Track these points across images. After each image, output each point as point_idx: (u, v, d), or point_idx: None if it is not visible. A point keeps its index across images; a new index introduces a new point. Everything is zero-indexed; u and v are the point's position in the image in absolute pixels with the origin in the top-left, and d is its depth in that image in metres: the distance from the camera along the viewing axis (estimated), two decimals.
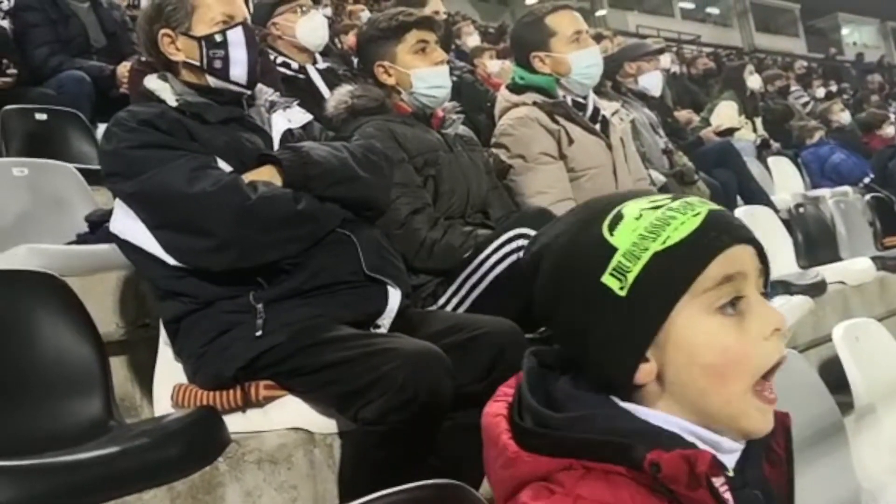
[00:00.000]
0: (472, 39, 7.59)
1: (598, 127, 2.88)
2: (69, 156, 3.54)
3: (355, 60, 6.95)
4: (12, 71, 4.04)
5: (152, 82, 1.97)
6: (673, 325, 0.86)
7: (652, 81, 4.75)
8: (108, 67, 4.19)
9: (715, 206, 0.90)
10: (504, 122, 2.82)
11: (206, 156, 1.81)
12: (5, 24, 4.51)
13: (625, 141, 2.99)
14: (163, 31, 1.97)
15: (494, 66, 6.66)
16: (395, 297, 1.87)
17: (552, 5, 2.91)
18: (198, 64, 1.95)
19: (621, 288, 0.86)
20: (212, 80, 1.96)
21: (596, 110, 2.90)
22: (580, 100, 2.88)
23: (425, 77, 2.46)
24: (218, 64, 1.94)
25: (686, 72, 9.88)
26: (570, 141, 2.75)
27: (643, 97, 4.67)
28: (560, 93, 2.84)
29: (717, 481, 0.85)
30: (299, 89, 3.12)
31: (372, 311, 1.84)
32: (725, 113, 6.12)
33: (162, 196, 1.74)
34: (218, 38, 1.94)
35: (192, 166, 1.75)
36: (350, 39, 7.46)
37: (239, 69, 1.95)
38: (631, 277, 0.86)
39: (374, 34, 2.53)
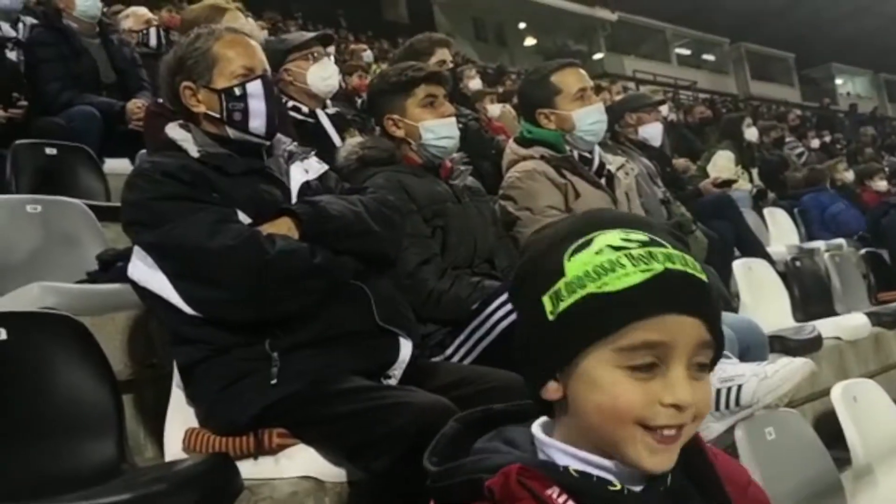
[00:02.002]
0: (473, 83, 7.68)
1: (603, 181, 2.94)
2: (78, 190, 3.60)
3: (359, 100, 7.09)
4: (23, 103, 4.12)
5: (175, 131, 2.02)
6: (583, 360, 0.93)
7: (652, 132, 4.84)
8: (118, 104, 4.26)
9: (678, 267, 0.92)
10: (512, 175, 2.88)
11: (226, 208, 1.86)
12: (13, 56, 4.59)
13: (630, 196, 3.04)
14: (184, 83, 2.02)
15: (495, 110, 6.76)
16: (406, 347, 1.91)
17: (557, 63, 2.99)
18: (218, 116, 2.00)
19: (552, 312, 0.93)
20: (231, 132, 2.02)
21: (601, 165, 2.96)
22: (586, 154, 2.94)
23: (433, 128, 2.52)
24: (237, 116, 1.99)
25: (683, 120, 10.01)
26: (577, 195, 2.81)
27: (642, 147, 4.74)
28: (567, 147, 2.90)
29: (552, 492, 0.92)
30: (309, 134, 3.18)
31: (384, 362, 1.88)
32: (723, 164, 6.20)
33: (183, 248, 1.78)
34: (237, 91, 1.99)
35: (213, 220, 1.79)
36: (354, 80, 7.58)
37: (258, 121, 2.00)
38: (562, 306, 0.93)
39: (384, 87, 2.59)
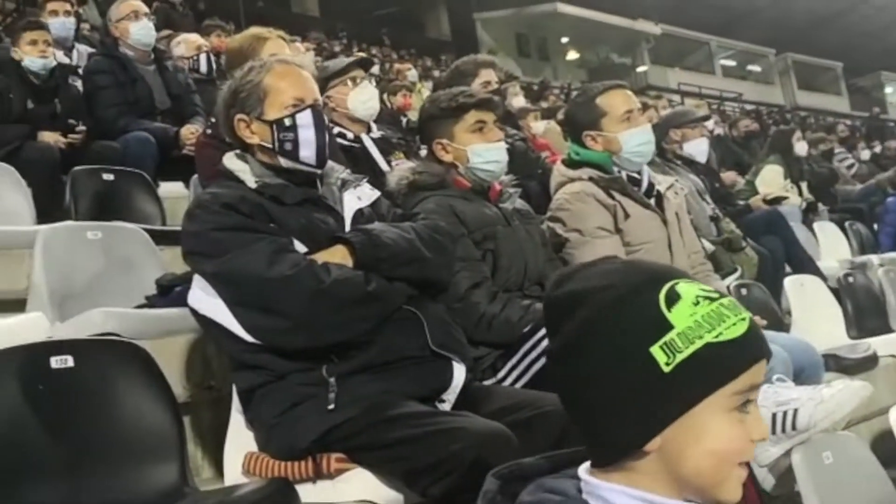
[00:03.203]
0: (517, 100, 7.70)
1: (652, 201, 2.93)
2: (134, 214, 3.69)
3: (404, 119, 7.15)
4: (81, 129, 4.23)
5: (232, 162, 2.08)
6: (695, 410, 0.94)
7: (698, 148, 4.80)
8: (172, 129, 4.36)
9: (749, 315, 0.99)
10: (560, 197, 2.88)
11: (283, 238, 1.90)
12: (72, 83, 4.73)
13: (680, 215, 3.02)
14: (238, 115, 2.08)
15: (539, 128, 6.78)
16: (460, 372, 1.94)
17: (603, 85, 2.98)
18: (270, 146, 2.05)
19: (667, 363, 0.93)
20: (284, 162, 2.06)
21: (651, 185, 2.95)
22: (635, 175, 2.93)
23: (481, 152, 2.55)
24: (288, 146, 2.04)
25: (729, 133, 9.91)
26: (626, 216, 2.80)
27: (689, 163, 4.72)
28: (615, 168, 2.90)
29: None
30: (355, 158, 3.23)
31: (438, 387, 1.91)
32: (772, 179, 6.13)
33: (242, 278, 1.83)
34: (287, 121, 2.04)
35: (270, 250, 1.84)
36: (399, 100, 7.65)
37: (307, 151, 2.05)
38: (680, 357, 0.93)
39: (434, 113, 2.63)
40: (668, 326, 0.94)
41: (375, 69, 11.02)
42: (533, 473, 1.05)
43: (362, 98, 3.40)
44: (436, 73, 16.34)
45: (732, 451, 0.96)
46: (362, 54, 11.56)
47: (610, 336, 0.96)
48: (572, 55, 28.56)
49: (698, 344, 0.93)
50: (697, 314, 0.95)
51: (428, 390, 1.90)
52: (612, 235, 2.79)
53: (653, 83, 26.41)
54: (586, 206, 2.80)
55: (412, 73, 10.36)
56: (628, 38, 28.00)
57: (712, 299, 0.96)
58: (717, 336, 0.94)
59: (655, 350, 0.94)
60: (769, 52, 30.55)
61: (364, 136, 3.44)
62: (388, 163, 3.40)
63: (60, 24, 5.35)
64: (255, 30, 3.28)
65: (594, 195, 2.81)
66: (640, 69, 28.44)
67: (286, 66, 2.12)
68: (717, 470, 0.96)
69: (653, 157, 4.25)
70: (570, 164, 2.98)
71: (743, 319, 0.96)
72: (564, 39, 28.10)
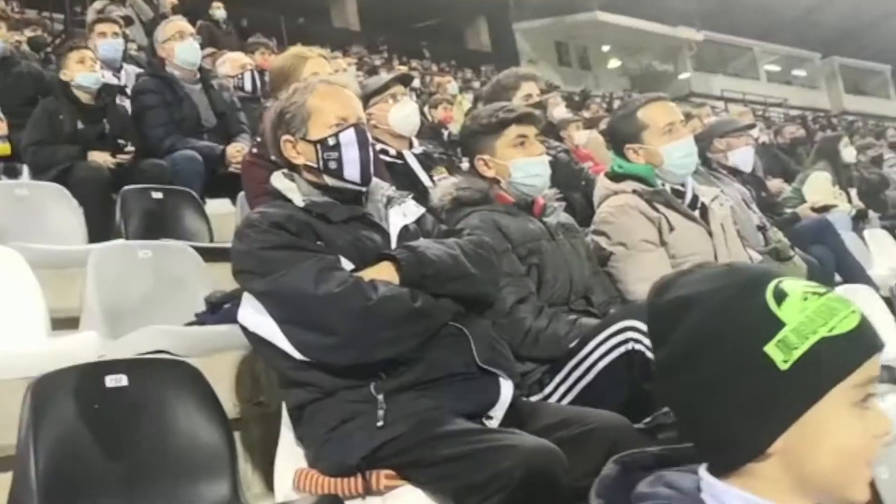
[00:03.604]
0: (558, 111, 7.68)
1: (697, 213, 2.90)
2: (183, 232, 3.76)
3: (445, 132, 7.18)
4: (130, 149, 4.32)
5: (280, 182, 2.11)
6: (817, 407, 0.93)
7: (743, 157, 4.75)
8: (218, 147, 4.43)
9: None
10: (604, 210, 2.87)
11: (330, 256, 1.93)
12: (126, 104, 4.84)
13: (725, 227, 2.98)
14: (284, 136, 2.11)
15: (581, 138, 6.76)
16: (507, 388, 1.94)
17: (645, 98, 2.98)
18: (316, 166, 2.08)
19: (784, 361, 0.92)
20: (329, 180, 2.09)
21: (695, 197, 2.93)
22: (678, 187, 2.91)
23: (523, 166, 2.56)
24: (333, 165, 2.07)
25: (774, 140, 9.79)
26: (671, 228, 2.78)
27: (735, 173, 4.67)
28: (658, 181, 2.88)
29: None
30: (398, 174, 3.25)
31: (485, 403, 1.92)
32: (820, 186, 6.03)
33: (291, 295, 1.85)
34: (331, 141, 2.07)
35: (318, 268, 1.86)
36: (440, 113, 7.68)
37: (352, 169, 2.07)
38: (796, 354, 0.92)
39: (475, 129, 2.64)
40: (780, 324, 0.93)
41: (416, 82, 11.10)
42: (655, 464, 1.04)
43: (403, 114, 3.42)
44: (476, 85, 16.40)
45: (858, 448, 0.94)
46: (403, 68, 11.67)
47: (722, 339, 0.95)
48: (614, 63, 28.46)
49: (813, 339, 0.92)
50: (808, 309, 0.94)
51: (475, 407, 1.90)
52: (658, 248, 2.77)
53: (696, 90, 26.24)
54: (630, 219, 2.78)
55: (452, 86, 10.41)
56: (670, 45, 27.84)
57: (820, 294, 0.95)
58: (830, 330, 0.93)
59: (770, 349, 0.93)
60: (814, 55, 30.16)
61: (406, 152, 3.46)
62: (431, 178, 3.42)
63: (109, 45, 5.48)
64: (296, 49, 3.33)
65: (638, 208, 2.79)
66: (683, 76, 28.25)
67: (329, 87, 2.16)
68: (844, 468, 0.94)
69: (697, 167, 4.26)
70: (614, 177, 2.96)
71: (854, 312, 0.95)
72: (605, 48, 28.02)
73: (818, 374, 0.92)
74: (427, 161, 3.51)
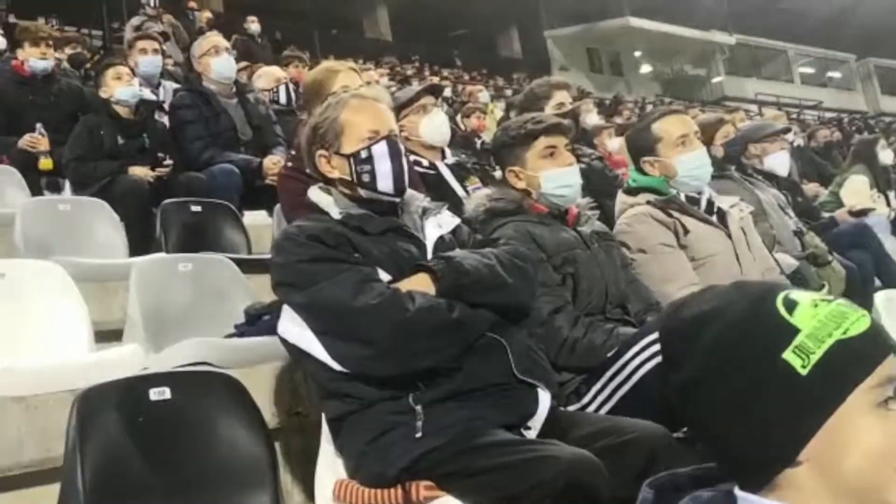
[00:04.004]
0: (591, 117, 7.69)
1: (714, 218, 2.96)
2: (222, 244, 3.81)
3: (478, 141, 7.20)
4: (168, 162, 4.39)
5: (316, 195, 2.15)
6: (841, 411, 0.93)
7: (778, 161, 4.72)
8: (255, 160, 4.49)
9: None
10: (621, 222, 2.95)
11: (368, 268, 1.95)
12: (164, 119, 4.92)
13: (746, 231, 3.03)
14: (319, 151, 2.15)
15: (614, 145, 6.75)
16: (545, 399, 1.96)
17: (660, 111, 3.08)
18: (350, 179, 2.11)
19: (803, 367, 0.93)
20: (364, 193, 2.12)
21: (710, 203, 3.00)
22: (694, 195, 2.99)
23: (553, 178, 2.57)
24: (366, 178, 2.09)
25: (808, 144, 9.68)
26: (686, 231, 2.85)
27: (770, 177, 4.64)
28: (672, 190, 2.95)
29: None
30: (431, 185, 3.27)
31: (524, 413, 1.93)
32: (857, 189, 5.96)
33: (329, 308, 1.88)
34: (364, 154, 2.09)
35: (356, 280, 1.89)
36: (473, 122, 7.72)
37: (385, 181, 2.10)
38: (814, 358, 0.93)
39: (505, 140, 2.67)
40: (795, 330, 0.94)
41: (447, 91, 11.14)
42: (688, 485, 1.04)
43: (434, 125, 3.44)
44: (508, 93, 16.42)
45: (887, 449, 0.93)
46: (435, 78, 11.70)
47: (740, 353, 0.96)
48: (645, 68, 28.31)
49: (828, 342, 0.93)
50: (819, 315, 0.95)
51: (514, 417, 1.92)
52: (676, 250, 2.83)
53: (729, 94, 26.03)
54: (646, 225, 2.85)
55: (484, 95, 10.44)
56: (702, 49, 27.66)
57: (829, 301, 0.97)
58: (844, 332, 0.94)
59: (788, 355, 0.93)
60: (849, 57, 29.78)
61: (439, 163, 3.48)
62: (464, 188, 3.44)
63: (149, 61, 5.60)
64: (326, 63, 3.37)
65: (652, 215, 2.87)
66: (716, 80, 28.04)
67: (361, 101, 2.18)
68: (876, 471, 0.93)
69: (732, 172, 4.24)
70: (629, 191, 3.05)
71: (864, 316, 0.96)
72: (637, 53, 27.89)
73: (838, 376, 0.93)
74: (460, 171, 3.53)
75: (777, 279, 3.09)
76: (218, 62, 4.78)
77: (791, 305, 0.96)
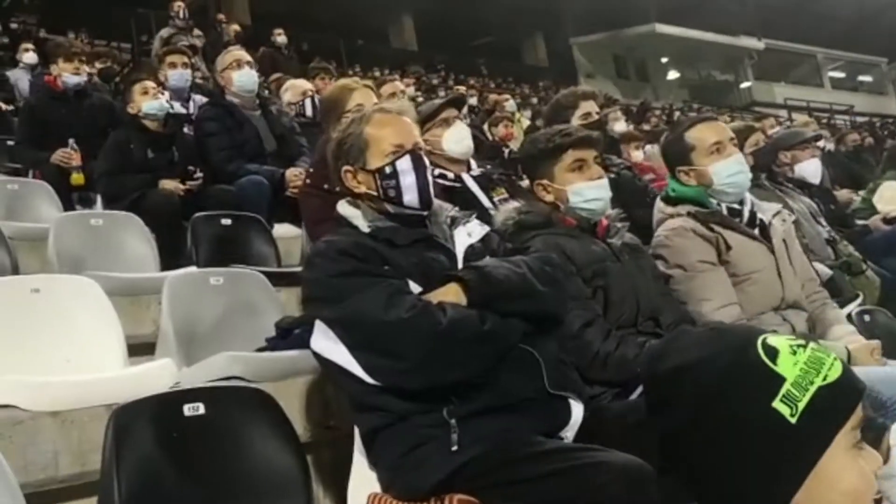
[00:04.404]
0: (619, 125, 7.65)
1: (756, 231, 2.88)
2: (252, 257, 3.83)
3: (506, 150, 7.20)
4: (199, 175, 4.43)
5: (345, 209, 2.17)
6: (826, 455, 0.96)
7: (809, 169, 4.69)
8: (279, 171, 4.51)
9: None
10: (660, 234, 2.88)
11: (398, 280, 1.95)
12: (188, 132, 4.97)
13: (788, 243, 2.95)
14: (345, 167, 2.16)
15: (638, 156, 6.72)
16: (577, 410, 1.96)
17: (691, 119, 3.00)
18: (375, 194, 2.13)
19: (792, 415, 0.95)
20: (390, 207, 2.13)
21: (753, 214, 2.91)
22: (735, 205, 2.90)
23: (581, 191, 2.56)
24: (392, 193, 2.11)
25: (837, 148, 9.56)
26: (729, 247, 2.77)
27: (802, 185, 4.59)
28: (713, 201, 2.87)
29: None
30: (457, 198, 3.27)
31: (557, 424, 1.94)
32: (892, 196, 5.87)
33: (361, 322, 1.89)
34: (388, 169, 2.11)
35: (387, 293, 1.89)
36: (501, 131, 7.72)
37: (410, 195, 2.11)
38: (801, 406, 0.95)
39: (533, 153, 2.66)
40: (781, 379, 0.96)
41: (473, 100, 11.16)
42: None
43: (456, 138, 3.44)
44: (534, 101, 16.41)
45: (865, 487, 0.97)
46: (461, 88, 11.72)
47: (729, 401, 0.97)
48: (672, 75, 28.19)
49: (812, 390, 0.95)
50: (800, 362, 0.97)
51: (547, 428, 1.92)
52: (716, 268, 2.76)
53: (758, 99, 25.84)
54: (686, 240, 2.78)
55: (510, 104, 10.42)
56: (730, 54, 27.48)
57: (803, 346, 0.99)
58: (825, 379, 0.96)
59: (778, 404, 0.95)
60: (881, 60, 29.46)
61: (464, 175, 3.48)
62: (490, 199, 3.43)
63: (179, 75, 5.68)
64: (343, 81, 3.40)
65: (694, 229, 2.79)
66: (744, 85, 27.86)
67: (385, 115, 2.19)
68: None
69: (762, 180, 4.20)
70: (669, 200, 2.98)
71: (836, 359, 0.99)
72: (664, 59, 27.77)
73: (824, 422, 0.96)
74: (486, 182, 3.53)
75: (817, 289, 3.04)
76: (239, 76, 4.82)
77: (772, 353, 0.98)
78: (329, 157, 2.24)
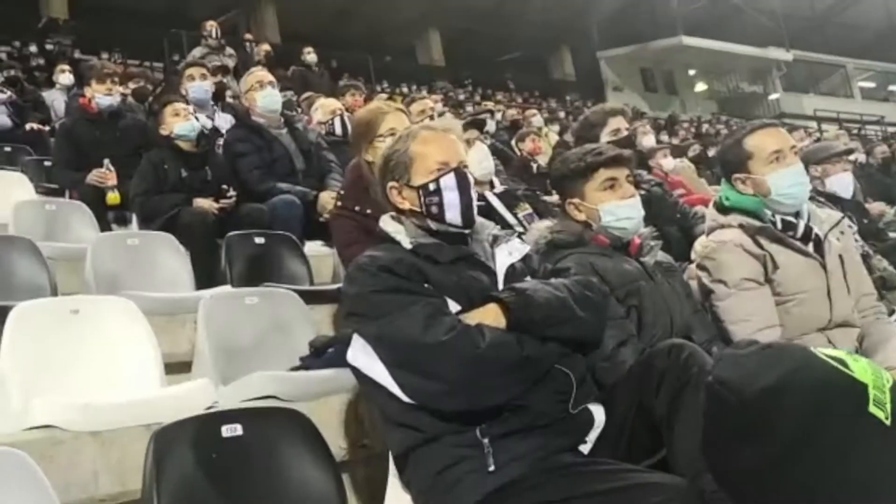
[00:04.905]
0: (647, 139, 7.63)
1: (811, 246, 2.78)
2: (285, 276, 3.86)
3: (534, 165, 7.21)
4: (232, 194, 4.48)
5: (389, 225, 2.19)
6: None
7: (841, 183, 4.64)
8: (311, 193, 4.56)
9: None
10: (707, 244, 2.80)
11: (439, 300, 1.97)
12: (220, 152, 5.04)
13: (845, 258, 2.84)
14: (390, 183, 2.19)
15: (669, 164, 6.70)
16: (599, 414, 2.00)
17: (752, 125, 2.88)
18: (419, 210, 2.15)
19: (886, 417, 0.96)
20: (433, 224, 2.15)
21: (808, 229, 2.79)
22: (790, 218, 2.79)
23: (613, 210, 2.56)
24: (434, 210, 2.13)
25: (867, 160, 9.47)
26: (776, 266, 2.70)
27: (834, 200, 4.55)
28: (768, 212, 2.77)
29: None
30: (481, 215, 3.29)
31: (583, 431, 1.98)
32: None
33: (399, 341, 1.90)
34: (432, 186, 2.13)
35: (426, 314, 1.90)
36: (528, 145, 7.73)
37: (452, 212, 2.13)
38: (889, 407, 0.96)
39: (565, 173, 2.65)
40: (863, 385, 0.96)
41: (498, 115, 11.19)
42: None
43: (477, 159, 3.47)
44: (561, 115, 16.41)
45: None
46: (489, 103, 11.76)
47: (833, 414, 0.97)
48: (700, 87, 28.05)
49: (887, 390, 0.97)
50: (866, 366, 0.98)
51: (575, 439, 1.96)
52: (760, 287, 2.69)
53: (786, 111, 25.64)
54: (732, 256, 2.71)
55: (537, 119, 10.43)
56: (758, 66, 27.31)
57: (849, 352, 1.00)
58: (888, 379, 0.97)
59: (873, 409, 0.95)
60: None
61: (488, 193, 3.51)
62: (515, 216, 3.45)
63: (198, 87, 5.86)
64: (376, 104, 3.41)
65: (742, 245, 2.72)
66: (773, 97, 27.66)
67: (431, 133, 2.22)
68: None
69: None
70: (721, 209, 2.87)
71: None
72: (691, 71, 27.65)
73: None
74: (509, 199, 3.55)
75: (873, 304, 2.94)
76: (262, 96, 4.88)
77: (843, 363, 0.98)
78: (377, 174, 2.27)
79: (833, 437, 0.95)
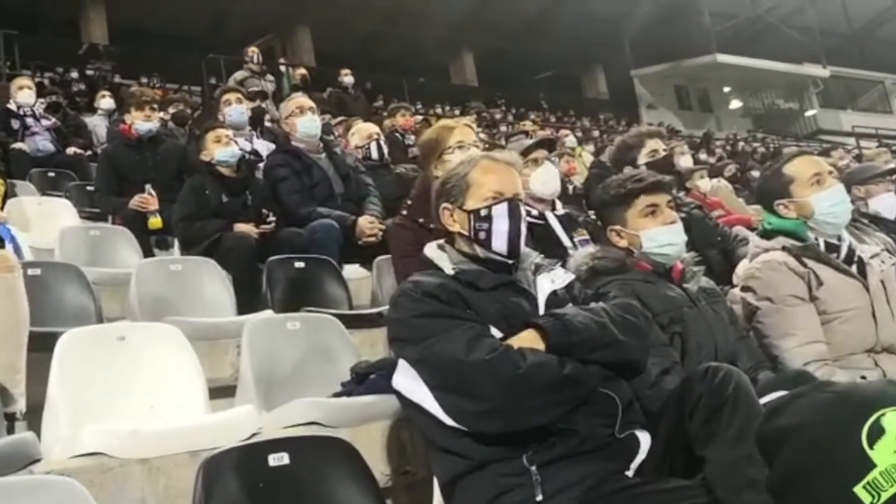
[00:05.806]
0: (684, 160, 7.60)
1: (854, 268, 2.82)
2: (324, 300, 3.89)
3: (570, 186, 7.20)
4: (272, 219, 4.53)
5: (432, 251, 2.23)
6: None
7: (884, 204, 4.57)
8: (350, 217, 4.59)
9: None
10: (751, 266, 2.86)
11: (480, 324, 1.99)
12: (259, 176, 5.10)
13: (887, 285, 2.86)
14: (444, 205, 2.24)
15: (706, 185, 6.66)
16: (644, 440, 1.98)
17: (788, 154, 2.98)
18: (467, 234, 2.18)
19: (872, 503, 0.92)
20: (479, 250, 2.18)
21: (851, 251, 2.87)
22: (833, 241, 2.87)
23: (655, 237, 2.56)
24: (482, 235, 2.16)
25: None
26: (820, 283, 2.73)
27: (877, 221, 4.49)
28: (811, 235, 2.85)
29: None
30: (538, 235, 3.31)
31: (628, 456, 1.97)
32: None
33: (442, 363, 1.92)
34: (483, 212, 2.17)
35: (468, 336, 1.92)
36: (563, 166, 7.72)
37: (499, 241, 2.15)
38: (885, 496, 0.92)
39: (606, 199, 2.67)
40: (871, 465, 0.93)
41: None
42: None
43: (543, 178, 3.52)
44: (595, 133, 16.38)
45: None
46: (527, 124, 11.78)
47: (813, 477, 0.96)
48: (735, 104, 27.86)
49: None
50: None
51: (621, 464, 1.95)
52: (806, 303, 2.72)
53: (823, 127, 25.40)
54: (777, 273, 2.76)
55: (570, 139, 10.43)
56: (794, 82, 27.08)
57: None
58: None
59: (859, 490, 0.93)
60: None
61: (548, 214, 3.53)
62: (572, 239, 3.46)
63: (234, 110, 6.05)
64: (443, 122, 3.56)
65: (786, 263, 2.77)
66: (809, 113, 27.39)
67: (492, 162, 2.26)
68: None
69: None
70: (765, 234, 2.96)
71: None
72: (726, 89, 27.47)
73: None
74: (569, 223, 3.56)
75: None
76: (302, 122, 4.95)
77: (876, 435, 0.95)
78: (433, 195, 2.31)
79: (810, 496, 0.96)
